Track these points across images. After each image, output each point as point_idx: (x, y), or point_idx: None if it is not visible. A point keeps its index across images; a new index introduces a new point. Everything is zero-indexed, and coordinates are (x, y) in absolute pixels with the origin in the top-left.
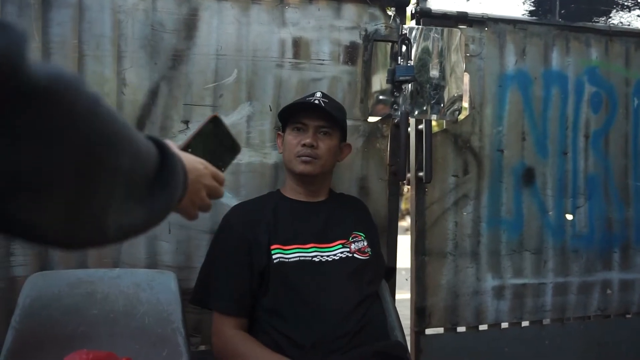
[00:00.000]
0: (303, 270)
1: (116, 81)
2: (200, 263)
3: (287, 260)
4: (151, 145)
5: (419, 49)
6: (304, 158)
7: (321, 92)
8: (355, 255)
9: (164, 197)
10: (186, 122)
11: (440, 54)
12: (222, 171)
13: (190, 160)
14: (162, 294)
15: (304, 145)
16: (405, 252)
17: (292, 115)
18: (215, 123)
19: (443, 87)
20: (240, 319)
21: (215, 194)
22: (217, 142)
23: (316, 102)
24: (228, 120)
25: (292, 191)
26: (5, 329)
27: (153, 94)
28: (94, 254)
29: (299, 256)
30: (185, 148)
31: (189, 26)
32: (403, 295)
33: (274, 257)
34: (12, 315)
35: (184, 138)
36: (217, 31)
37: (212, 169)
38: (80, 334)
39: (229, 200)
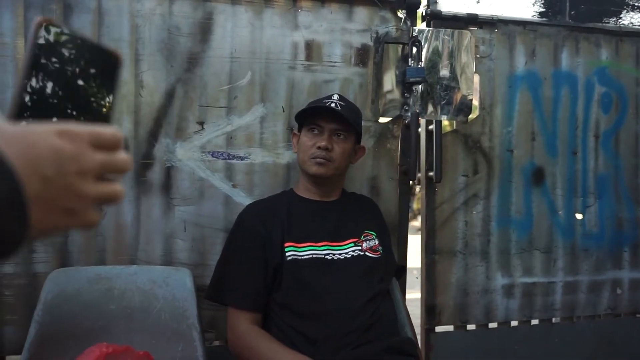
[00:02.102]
0: (315, 267)
1: (134, 83)
2: (215, 261)
3: (300, 257)
4: None
5: (430, 51)
6: (318, 160)
7: (338, 95)
8: (366, 253)
9: None
10: (201, 123)
11: (451, 56)
12: (107, 110)
13: (36, 142)
14: (178, 291)
15: (319, 147)
16: (416, 252)
17: (309, 116)
18: (50, 30)
19: (453, 88)
20: (255, 314)
21: (113, 169)
22: (71, 68)
23: (333, 104)
24: (242, 120)
25: (306, 190)
26: (29, 323)
27: (169, 95)
28: (112, 251)
29: (312, 254)
30: (19, 108)
31: (204, 30)
32: (413, 294)
33: (287, 254)
34: (35, 309)
35: (199, 139)
36: (232, 34)
37: (87, 132)
38: (98, 328)
39: (243, 199)
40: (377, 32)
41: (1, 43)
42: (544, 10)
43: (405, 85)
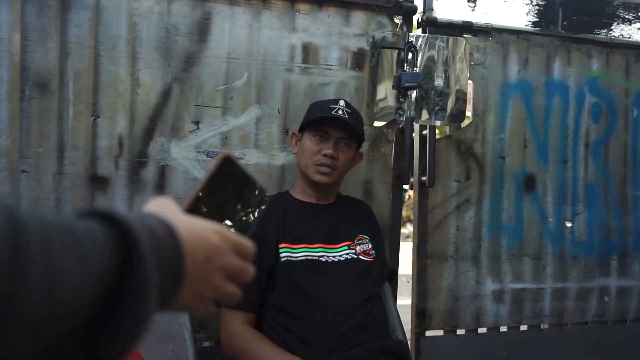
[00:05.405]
0: (309, 269)
1: (130, 81)
2: None
3: (294, 259)
4: (100, 242)
5: (425, 57)
6: (322, 169)
7: (344, 101)
8: (360, 257)
9: (123, 333)
10: (197, 123)
11: (445, 62)
12: (248, 232)
13: (198, 230)
14: None
15: (324, 155)
16: (407, 258)
17: (314, 120)
18: (227, 164)
19: (447, 94)
20: (248, 314)
21: (241, 276)
22: (233, 191)
23: (340, 111)
24: (238, 121)
25: (302, 193)
26: None
27: (165, 94)
28: None
29: (306, 255)
30: (192, 206)
31: (202, 30)
32: (403, 300)
33: (281, 255)
34: None
35: (194, 138)
36: (229, 35)
37: (234, 238)
38: None
39: None
40: (373, 37)
41: None
42: (537, 20)
43: (400, 90)
